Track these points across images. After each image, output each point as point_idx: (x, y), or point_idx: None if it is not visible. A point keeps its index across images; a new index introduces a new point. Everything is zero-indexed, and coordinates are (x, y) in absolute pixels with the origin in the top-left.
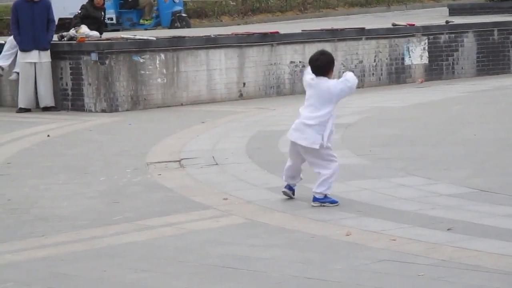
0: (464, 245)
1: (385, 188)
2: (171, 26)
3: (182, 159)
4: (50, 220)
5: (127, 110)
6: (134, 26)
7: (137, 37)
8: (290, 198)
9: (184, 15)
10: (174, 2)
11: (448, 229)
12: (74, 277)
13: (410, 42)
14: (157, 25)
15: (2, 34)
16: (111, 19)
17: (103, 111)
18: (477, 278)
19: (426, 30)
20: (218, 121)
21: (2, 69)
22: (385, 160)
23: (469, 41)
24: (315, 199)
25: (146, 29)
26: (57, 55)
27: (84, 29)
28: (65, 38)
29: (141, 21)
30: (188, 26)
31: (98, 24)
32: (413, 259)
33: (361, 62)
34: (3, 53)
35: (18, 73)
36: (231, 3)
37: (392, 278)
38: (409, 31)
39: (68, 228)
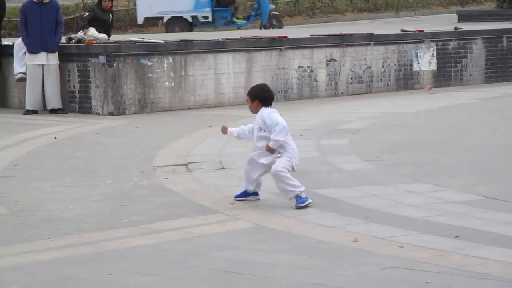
0: (471, 252)
1: (392, 194)
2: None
3: (189, 163)
4: (56, 222)
5: (134, 113)
6: (228, 24)
7: (145, 40)
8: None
9: (276, 13)
10: (269, 0)
11: (455, 237)
12: (79, 280)
13: (418, 48)
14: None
15: (10, 35)
16: (207, 17)
17: (111, 114)
18: (484, 286)
19: (435, 37)
20: None
21: (25, 74)
22: (393, 166)
23: (477, 48)
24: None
25: (239, 28)
26: (65, 57)
27: (92, 31)
28: (73, 41)
29: (234, 19)
30: (280, 24)
31: (106, 26)
32: (420, 266)
33: (369, 67)
34: (15, 58)
35: (23, 73)
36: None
37: (399, 285)
38: (417, 37)
39: (74, 231)
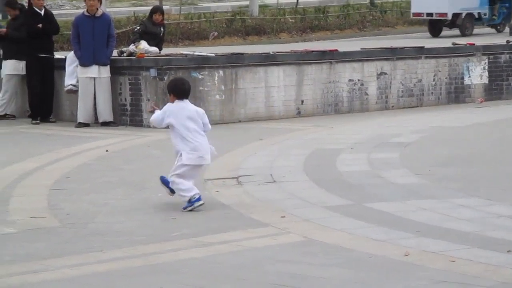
0: None
1: (444, 208)
2: None
3: (240, 176)
4: (107, 235)
5: None
6: (489, 22)
7: (196, 53)
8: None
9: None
10: None
11: (508, 251)
12: None
13: (470, 61)
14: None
15: (62, 49)
16: (485, 14)
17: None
18: None
19: (486, 50)
20: (275, 139)
21: (75, 86)
22: (444, 180)
23: None
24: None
25: (491, 26)
26: (117, 70)
27: (143, 44)
28: (125, 54)
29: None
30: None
31: (157, 40)
32: (472, 281)
33: (420, 81)
34: (67, 70)
35: (73, 85)
36: (290, 20)
37: None
38: (469, 51)
39: (126, 244)
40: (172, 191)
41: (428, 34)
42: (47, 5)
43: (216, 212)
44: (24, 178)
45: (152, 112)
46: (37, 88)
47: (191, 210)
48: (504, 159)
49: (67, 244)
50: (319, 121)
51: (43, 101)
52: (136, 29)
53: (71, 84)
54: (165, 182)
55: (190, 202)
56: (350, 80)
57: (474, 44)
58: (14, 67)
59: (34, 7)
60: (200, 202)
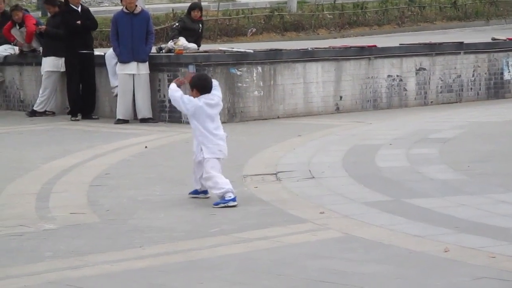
0: None
1: (483, 204)
2: None
3: (279, 172)
4: (147, 231)
5: (224, 122)
6: None
7: (235, 49)
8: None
9: None
10: None
11: None
12: None
13: (509, 56)
14: None
15: (102, 45)
16: None
17: None
18: None
19: None
20: (314, 135)
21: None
22: (484, 176)
23: None
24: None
25: None
26: (155, 67)
27: (182, 41)
28: (163, 50)
29: None
30: None
31: (196, 36)
32: None
33: (459, 76)
34: (109, 70)
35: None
36: (328, 16)
37: None
38: (509, 46)
39: (165, 240)
40: (205, 192)
41: None
42: (86, 2)
43: (255, 208)
44: (64, 175)
45: (181, 84)
46: (76, 85)
47: (223, 207)
48: None
49: (107, 240)
50: (357, 117)
51: (82, 98)
52: (174, 26)
53: (117, 86)
54: (193, 193)
55: (224, 199)
56: (388, 76)
57: None
58: (53, 64)
59: (71, 5)
60: (235, 203)
